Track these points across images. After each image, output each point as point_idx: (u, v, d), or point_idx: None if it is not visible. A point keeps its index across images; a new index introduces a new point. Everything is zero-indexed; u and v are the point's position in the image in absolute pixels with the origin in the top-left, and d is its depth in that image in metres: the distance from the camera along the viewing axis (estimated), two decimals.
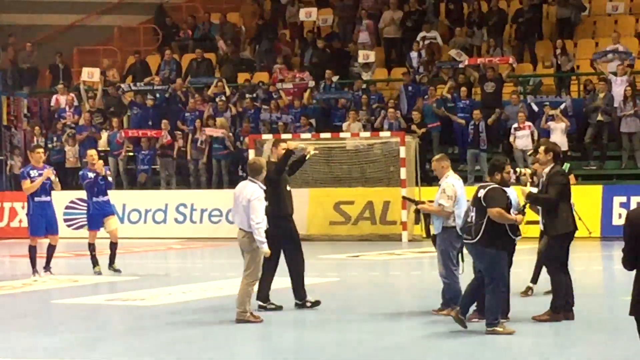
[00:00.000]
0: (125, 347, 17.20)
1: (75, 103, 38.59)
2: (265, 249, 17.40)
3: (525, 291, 23.05)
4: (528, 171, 21.42)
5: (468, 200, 19.64)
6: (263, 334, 18.70)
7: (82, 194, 28.13)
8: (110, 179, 26.98)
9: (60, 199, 28.34)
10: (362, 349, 16.20)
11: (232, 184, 34.64)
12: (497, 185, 16.80)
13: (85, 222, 27.80)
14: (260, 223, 17.37)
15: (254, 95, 38.68)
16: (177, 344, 17.87)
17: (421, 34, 40.04)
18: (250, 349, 17.35)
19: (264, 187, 17.89)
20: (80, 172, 26.45)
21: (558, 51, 36.73)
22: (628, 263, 10.29)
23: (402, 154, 32.72)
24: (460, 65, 37.74)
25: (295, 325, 19.51)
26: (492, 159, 22.32)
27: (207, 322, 19.66)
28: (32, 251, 25.41)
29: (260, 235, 17.37)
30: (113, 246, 26.14)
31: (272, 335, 18.96)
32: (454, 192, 20.23)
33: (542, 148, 19.16)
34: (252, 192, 17.80)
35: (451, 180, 20.03)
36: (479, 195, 17.08)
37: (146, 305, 21.37)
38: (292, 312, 20.25)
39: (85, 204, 27.13)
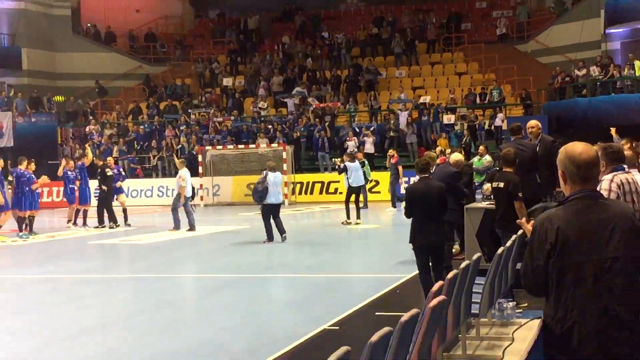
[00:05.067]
0: (130, 268, 16.54)
1: (99, 130, 35.98)
2: None
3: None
4: None
5: None
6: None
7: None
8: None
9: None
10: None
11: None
12: None
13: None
14: None
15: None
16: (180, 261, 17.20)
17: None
18: None
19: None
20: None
21: (371, 97, 35.33)
22: (406, 215, 10.52)
23: (285, 156, 31.38)
24: (312, 108, 36.12)
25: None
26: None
27: None
28: (75, 215, 23.90)
29: None
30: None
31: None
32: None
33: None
34: None
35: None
36: None
37: (143, 244, 19.73)
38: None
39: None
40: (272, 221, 18.65)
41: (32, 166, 22.31)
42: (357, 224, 22.63)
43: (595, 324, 4.11)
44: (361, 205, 25.51)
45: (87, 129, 37.11)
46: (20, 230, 21.80)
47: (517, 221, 5.99)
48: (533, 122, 13.63)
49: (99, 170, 23.86)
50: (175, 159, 27.68)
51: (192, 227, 21.84)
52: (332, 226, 22.71)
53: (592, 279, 4.16)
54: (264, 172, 18.82)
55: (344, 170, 22.97)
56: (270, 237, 18.56)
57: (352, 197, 22.73)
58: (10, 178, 20.98)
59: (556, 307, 4.24)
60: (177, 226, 22.01)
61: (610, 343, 4.11)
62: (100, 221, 23.62)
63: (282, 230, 18.71)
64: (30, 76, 39.97)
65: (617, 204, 4.67)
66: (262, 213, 18.78)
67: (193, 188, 23.53)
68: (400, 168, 28.06)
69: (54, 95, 40.20)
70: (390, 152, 29.17)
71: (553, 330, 4.26)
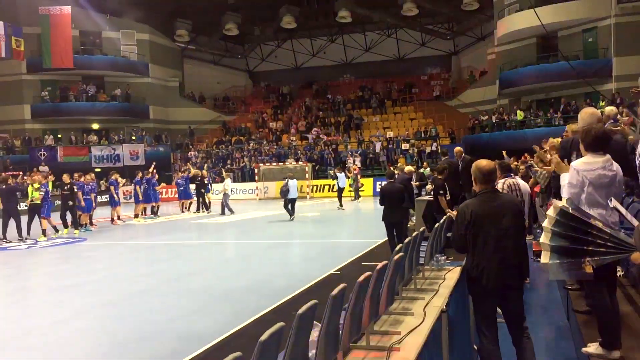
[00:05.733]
0: (214, 237, 16.04)
1: (196, 155, 36.35)
2: None
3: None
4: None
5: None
6: None
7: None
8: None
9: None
10: None
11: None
12: None
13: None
14: None
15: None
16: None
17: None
18: None
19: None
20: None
21: (359, 133, 36.18)
22: (380, 204, 10.34)
23: (307, 169, 31.51)
24: (323, 140, 35.61)
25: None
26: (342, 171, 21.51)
27: None
28: (182, 206, 23.70)
29: None
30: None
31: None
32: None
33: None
34: None
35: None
36: None
37: (221, 222, 19.23)
38: None
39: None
40: (289, 207, 18.88)
41: (156, 175, 22.43)
42: (339, 208, 22.70)
43: (496, 268, 4.16)
44: (352, 198, 25.76)
45: (189, 154, 37.00)
46: (151, 214, 21.97)
47: (446, 210, 6.03)
48: (458, 148, 13.53)
49: (193, 177, 23.93)
50: (223, 171, 27.65)
51: (231, 212, 21.72)
52: (333, 210, 22.35)
53: (494, 241, 4.19)
54: (286, 179, 19.15)
55: (335, 177, 24.17)
56: (291, 216, 18.66)
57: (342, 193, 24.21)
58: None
59: (473, 259, 4.27)
60: (231, 212, 21.84)
61: (506, 278, 4.17)
62: (198, 208, 23.52)
63: (292, 213, 18.85)
64: (154, 123, 39.68)
65: (508, 196, 4.69)
66: (284, 203, 18.98)
67: (230, 189, 23.84)
68: (359, 176, 28.22)
69: (169, 134, 39.77)
70: (353, 166, 29.03)
71: (470, 273, 4.30)
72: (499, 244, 4.20)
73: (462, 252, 4.45)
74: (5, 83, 36.06)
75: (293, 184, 18.91)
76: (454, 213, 4.67)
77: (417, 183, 15.31)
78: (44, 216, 16.61)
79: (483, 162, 4.41)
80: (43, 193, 16.75)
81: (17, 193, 16.92)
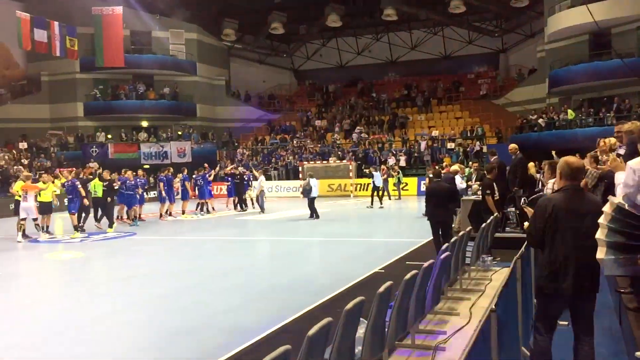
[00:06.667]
0: (258, 234, 16.14)
1: (242, 152, 36.57)
2: None
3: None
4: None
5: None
6: None
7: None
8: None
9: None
10: None
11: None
12: None
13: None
14: None
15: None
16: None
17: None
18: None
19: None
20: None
21: (404, 132, 35.69)
22: (427, 200, 10.26)
23: (351, 168, 31.41)
24: (368, 139, 34.88)
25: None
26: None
27: None
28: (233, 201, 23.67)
29: None
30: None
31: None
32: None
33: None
34: None
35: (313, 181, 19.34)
36: None
37: (264, 220, 19.04)
38: None
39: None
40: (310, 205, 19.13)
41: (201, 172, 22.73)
42: (380, 207, 22.59)
43: (573, 268, 4.07)
44: (385, 198, 25.42)
45: (237, 151, 37.33)
46: (201, 211, 21.99)
47: (523, 206, 5.81)
48: (512, 145, 12.94)
49: (238, 175, 23.76)
50: (254, 171, 25.45)
51: (262, 210, 21.60)
52: (375, 209, 21.88)
53: (572, 240, 4.11)
54: (308, 178, 19.30)
55: (371, 175, 24.03)
56: (316, 216, 18.68)
57: (375, 192, 23.76)
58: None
59: (549, 256, 4.18)
60: (261, 210, 21.70)
61: (581, 280, 4.09)
62: (238, 206, 23.46)
63: (315, 212, 18.92)
64: (201, 120, 40.41)
65: (592, 196, 4.59)
66: (309, 202, 18.98)
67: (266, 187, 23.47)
68: (388, 176, 27.22)
69: (215, 132, 40.50)
70: (383, 167, 27.85)
71: (544, 270, 4.22)
72: (577, 242, 4.10)
73: (537, 247, 4.36)
74: (60, 81, 37.38)
75: (315, 183, 19.12)
76: (530, 210, 4.54)
77: (478, 182, 14.43)
78: (74, 212, 16.49)
79: (573, 159, 4.37)
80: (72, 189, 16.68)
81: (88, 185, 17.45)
